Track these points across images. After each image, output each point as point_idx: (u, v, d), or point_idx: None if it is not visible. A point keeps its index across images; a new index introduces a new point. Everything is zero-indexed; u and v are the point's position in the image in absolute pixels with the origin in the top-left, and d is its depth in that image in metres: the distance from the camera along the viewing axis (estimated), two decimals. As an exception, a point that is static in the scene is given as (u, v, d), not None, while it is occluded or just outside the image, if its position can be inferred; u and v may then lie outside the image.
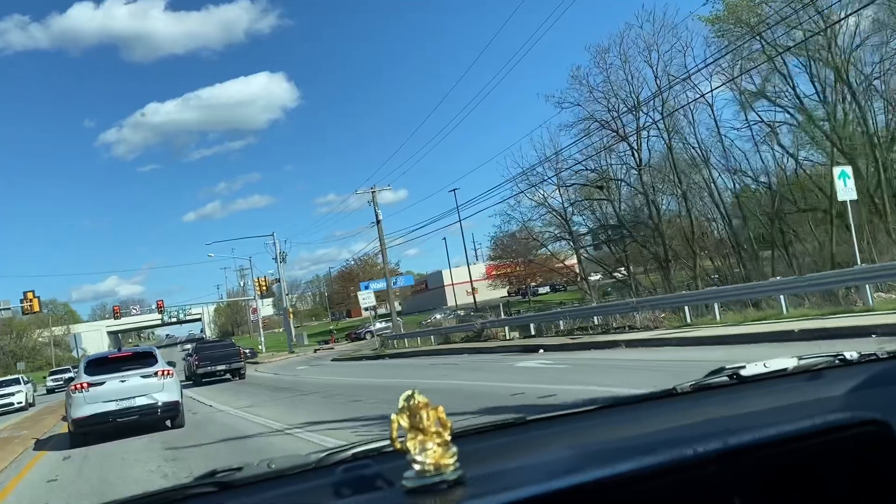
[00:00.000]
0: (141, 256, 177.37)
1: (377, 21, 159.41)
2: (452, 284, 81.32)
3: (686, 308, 18.81)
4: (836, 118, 33.67)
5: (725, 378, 1.70)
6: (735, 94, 36.72)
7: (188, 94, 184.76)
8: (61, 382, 43.97)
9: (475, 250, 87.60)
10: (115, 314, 75.45)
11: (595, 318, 22.29)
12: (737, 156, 38.23)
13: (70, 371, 45.79)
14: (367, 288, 58.76)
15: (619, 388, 9.52)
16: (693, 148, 39.67)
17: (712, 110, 38.28)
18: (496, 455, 1.31)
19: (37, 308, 45.63)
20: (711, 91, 36.15)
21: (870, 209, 31.86)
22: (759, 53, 33.59)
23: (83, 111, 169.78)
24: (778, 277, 17.77)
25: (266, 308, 75.99)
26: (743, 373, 1.69)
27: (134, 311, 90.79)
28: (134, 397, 13.64)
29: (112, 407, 13.42)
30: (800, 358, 1.72)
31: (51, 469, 11.55)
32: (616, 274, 47.41)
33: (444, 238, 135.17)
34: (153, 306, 77.63)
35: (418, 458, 1.07)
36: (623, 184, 43.98)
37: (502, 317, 28.21)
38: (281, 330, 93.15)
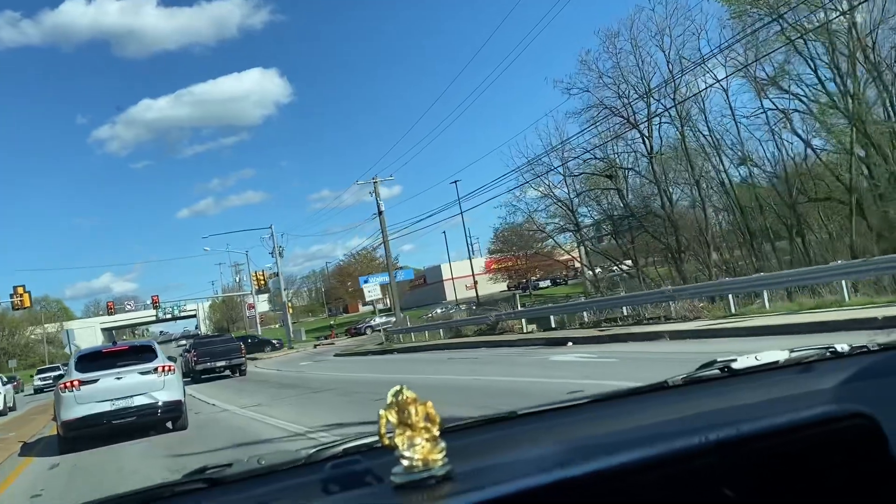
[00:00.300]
0: (135, 253, 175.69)
1: (372, 16, 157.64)
2: (452, 279, 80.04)
3: (730, 296, 17.40)
4: (858, 102, 32.21)
5: (717, 371, 1.70)
6: (749, 80, 35.49)
7: (181, 91, 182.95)
8: (50, 381, 40.48)
9: (471, 246, 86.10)
10: (109, 310, 73.67)
11: (624, 308, 20.83)
12: (749, 144, 37.12)
13: (60, 369, 43.37)
14: (366, 282, 57.48)
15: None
16: (704, 136, 38.57)
17: (727, 95, 37.11)
18: (485, 450, 1.30)
19: (27, 303, 43.79)
20: (727, 77, 34.99)
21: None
22: (777, 36, 32.31)
23: (76, 107, 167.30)
24: (840, 262, 16.34)
25: (262, 304, 74.70)
26: (734, 366, 1.69)
27: (129, 306, 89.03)
28: (131, 396, 12.11)
29: (106, 407, 11.91)
30: (791, 350, 1.72)
31: (35, 480, 10.13)
32: (620, 266, 46.25)
33: (444, 232, 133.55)
34: (148, 302, 76.10)
35: (407, 453, 1.07)
36: (632, 173, 42.85)
37: (518, 309, 26.71)
38: (277, 326, 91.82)
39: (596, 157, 42.82)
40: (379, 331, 44.68)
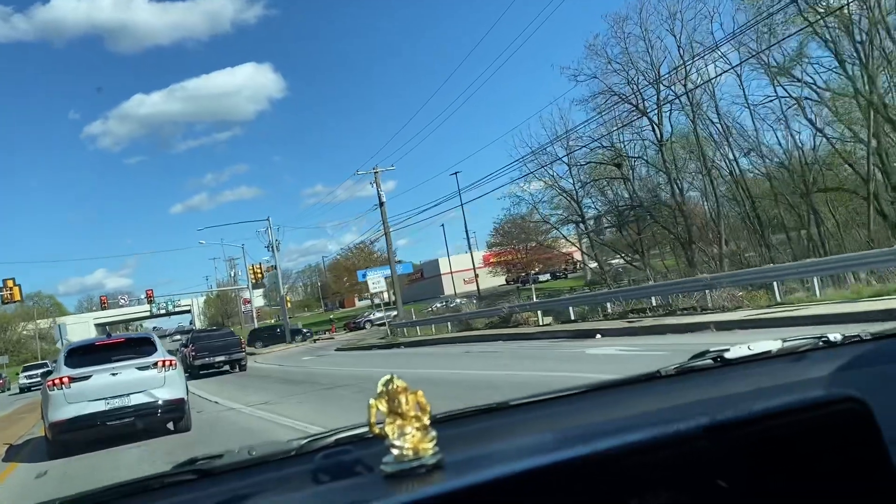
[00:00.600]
0: (129, 249, 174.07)
1: (367, 11, 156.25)
2: (451, 272, 78.92)
3: (775, 284, 16.14)
4: (875, 87, 30.99)
5: (709, 361, 1.70)
6: (762, 67, 34.33)
7: (174, 86, 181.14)
8: (38, 379, 38.14)
9: (468, 240, 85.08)
10: (103, 304, 72.33)
11: (652, 299, 19.57)
12: (761, 133, 36.12)
13: (48, 365, 40.03)
14: (365, 276, 56.06)
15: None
16: (713, 124, 37.53)
17: (740, 81, 35.98)
18: (477, 439, 1.31)
19: (17, 297, 42.13)
20: (741, 63, 33.86)
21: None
22: (793, 17, 31.17)
23: (68, 103, 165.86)
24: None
25: (257, 300, 73.52)
26: (727, 355, 1.69)
27: (122, 301, 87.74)
28: (128, 394, 10.83)
29: (100, 407, 10.64)
30: (784, 340, 1.72)
31: (21, 490, 8.91)
32: (626, 258, 45.22)
33: (443, 225, 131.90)
34: (142, 297, 74.69)
35: (397, 442, 1.06)
36: (641, 162, 41.74)
37: (534, 300, 25.47)
38: (272, 321, 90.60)
39: (603, 146, 41.72)
40: (383, 324, 43.37)
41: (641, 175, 42.57)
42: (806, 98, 34.32)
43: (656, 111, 38.82)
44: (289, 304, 63.56)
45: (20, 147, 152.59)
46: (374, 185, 44.38)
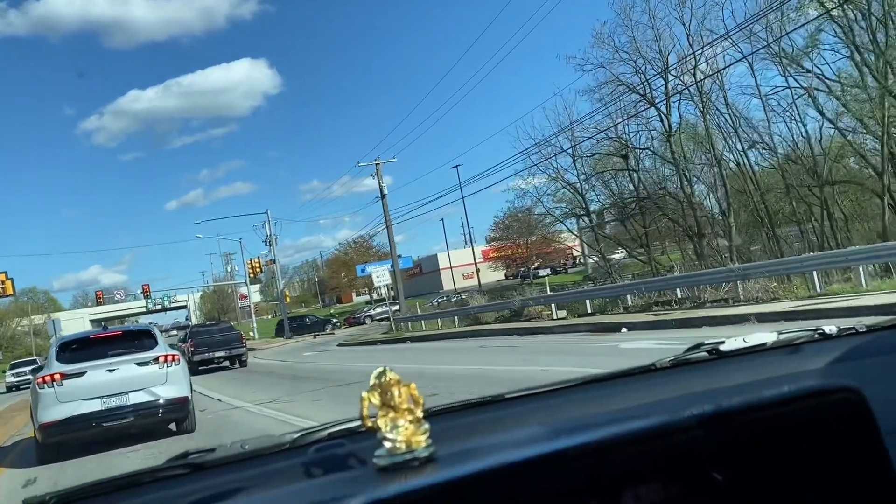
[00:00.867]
0: (124, 244, 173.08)
1: (364, 7, 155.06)
2: (451, 267, 78.10)
3: (815, 273, 15.23)
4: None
5: (705, 353, 1.69)
6: (773, 57, 33.48)
7: (169, 81, 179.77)
8: (26, 377, 36.33)
9: (469, 234, 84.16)
10: (98, 300, 71.11)
11: (677, 291, 18.64)
12: (771, 124, 35.32)
13: (38, 362, 38.11)
14: (364, 272, 55.08)
15: None
16: (722, 114, 36.71)
17: (752, 70, 35.12)
18: (470, 432, 1.29)
19: (10, 290, 40.99)
20: (753, 53, 32.99)
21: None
22: (809, 3, 30.34)
23: (63, 99, 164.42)
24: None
25: (253, 295, 72.67)
26: (722, 348, 1.68)
27: (118, 296, 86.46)
28: (126, 393, 9.94)
29: (96, 406, 9.75)
30: (780, 332, 1.71)
31: (6, 500, 7.87)
32: (632, 252, 44.44)
33: (442, 219, 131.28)
34: (138, 292, 73.56)
35: (390, 435, 1.05)
36: (648, 153, 40.90)
37: (548, 293, 24.56)
38: (269, 317, 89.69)
39: (608, 137, 40.87)
40: (384, 319, 42.49)
41: (646, 167, 41.84)
42: (816, 89, 33.56)
43: (664, 101, 38.01)
44: (288, 300, 62.56)
45: (14, 142, 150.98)
46: (376, 176, 43.48)
